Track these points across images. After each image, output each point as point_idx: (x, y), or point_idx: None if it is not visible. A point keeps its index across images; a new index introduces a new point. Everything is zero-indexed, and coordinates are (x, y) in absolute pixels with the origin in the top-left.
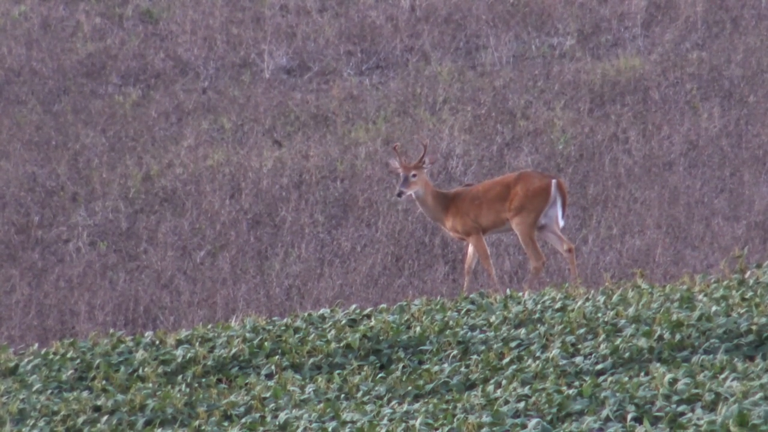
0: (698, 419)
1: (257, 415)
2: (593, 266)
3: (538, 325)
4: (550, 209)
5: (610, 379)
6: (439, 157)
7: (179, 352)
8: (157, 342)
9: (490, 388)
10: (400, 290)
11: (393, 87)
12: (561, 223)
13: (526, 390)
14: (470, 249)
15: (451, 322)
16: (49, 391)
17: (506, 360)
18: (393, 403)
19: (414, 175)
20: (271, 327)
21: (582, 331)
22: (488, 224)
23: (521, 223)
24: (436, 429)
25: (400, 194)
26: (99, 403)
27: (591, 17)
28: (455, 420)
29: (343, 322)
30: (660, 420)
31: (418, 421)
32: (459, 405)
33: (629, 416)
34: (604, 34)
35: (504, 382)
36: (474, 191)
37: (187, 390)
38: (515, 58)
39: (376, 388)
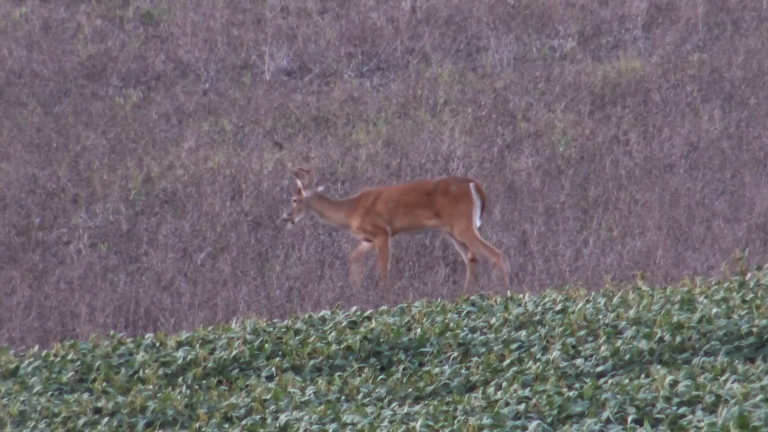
0: (699, 421)
1: (258, 416)
2: (594, 268)
3: (539, 327)
4: (476, 211)
5: (610, 381)
6: (440, 159)
7: (180, 353)
8: (158, 344)
9: (491, 389)
10: (401, 292)
11: (394, 89)
12: (477, 223)
13: (527, 392)
14: (361, 246)
15: (451, 324)
16: (50, 393)
17: (507, 362)
18: (393, 404)
19: (296, 201)
20: (271, 329)
21: (582, 333)
22: (402, 227)
23: (463, 230)
24: (437, 431)
25: (284, 222)
26: (99, 404)
27: (592, 19)
28: (456, 422)
29: (344, 324)
30: (661, 422)
31: (419, 423)
32: (459, 407)
33: (630, 418)
34: (604, 36)
35: (504, 383)
36: (388, 193)
37: (188, 392)
38: (516, 60)
39: (377, 390)
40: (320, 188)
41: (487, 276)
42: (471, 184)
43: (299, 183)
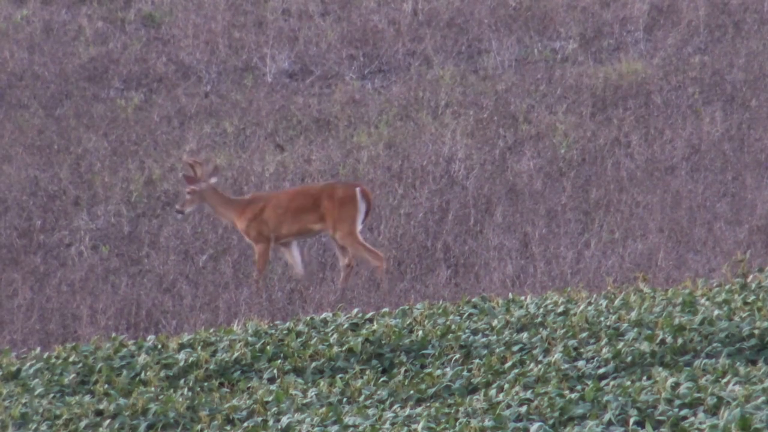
0: (700, 423)
1: (259, 419)
2: (595, 270)
3: (541, 329)
4: (359, 216)
5: (612, 383)
6: (441, 161)
7: (181, 356)
8: (160, 346)
9: (493, 392)
10: (402, 294)
11: (395, 91)
12: (360, 227)
13: (529, 394)
14: (288, 257)
15: (453, 326)
16: (51, 395)
17: (508, 364)
18: (395, 407)
19: (189, 192)
20: (273, 331)
21: (584, 335)
22: (291, 232)
23: (345, 234)
24: None
25: (177, 213)
26: (101, 407)
27: (593, 21)
28: (457, 424)
29: (346, 326)
30: (662, 424)
31: (421, 425)
32: (461, 409)
33: (631, 420)
34: (606, 38)
35: (506, 386)
36: (276, 199)
37: (190, 394)
38: (517, 62)
39: (379, 392)
40: (213, 179)
41: (489, 278)
42: (357, 189)
43: (196, 173)
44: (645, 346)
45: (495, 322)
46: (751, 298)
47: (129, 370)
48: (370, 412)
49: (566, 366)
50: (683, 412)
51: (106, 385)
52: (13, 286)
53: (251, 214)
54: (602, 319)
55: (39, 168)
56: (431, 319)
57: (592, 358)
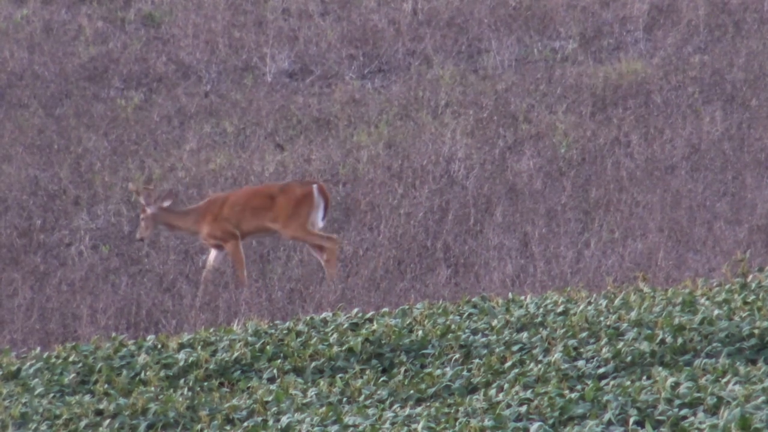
0: (700, 423)
1: (259, 418)
2: (595, 270)
3: (540, 329)
4: (315, 214)
5: (612, 382)
6: (441, 160)
7: (181, 355)
8: (160, 346)
9: (492, 391)
10: (402, 294)
11: (395, 90)
12: (320, 224)
13: (529, 394)
14: (211, 257)
15: (453, 326)
16: (51, 395)
17: (508, 364)
18: (395, 406)
19: (142, 219)
20: (273, 331)
21: (584, 334)
22: (250, 230)
23: (294, 231)
24: None
25: (139, 241)
26: (101, 406)
27: (593, 21)
28: (457, 424)
29: (345, 325)
30: (662, 424)
31: (420, 424)
32: (461, 409)
33: (631, 420)
34: (606, 37)
35: (506, 385)
36: (234, 198)
37: (190, 394)
38: (517, 62)
39: (379, 392)
40: (166, 203)
41: (489, 278)
42: (314, 186)
43: (142, 200)
44: (645, 346)
45: (495, 322)
46: (751, 297)
47: (129, 369)
48: (370, 411)
49: (566, 366)
50: (683, 411)
51: (106, 385)
52: (13, 286)
53: (211, 216)
54: (602, 318)
55: (39, 167)
56: (431, 319)
57: (592, 357)
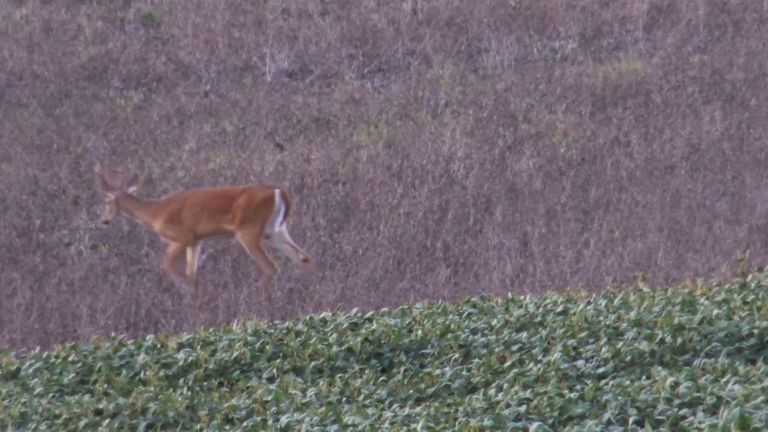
0: (700, 423)
1: (259, 418)
2: (595, 270)
3: (540, 329)
4: (275, 219)
5: (611, 382)
6: (441, 160)
7: (181, 355)
8: (159, 345)
9: (492, 391)
10: (402, 294)
11: (395, 90)
12: (276, 229)
13: (528, 393)
14: (188, 255)
15: (452, 326)
16: (51, 395)
17: (508, 363)
18: (395, 406)
19: (107, 201)
20: (272, 330)
21: (584, 334)
22: (205, 232)
23: (246, 235)
24: None
25: (104, 223)
26: (101, 406)
27: (593, 21)
28: (457, 423)
29: (345, 325)
30: (662, 423)
31: (420, 424)
32: (460, 408)
33: (631, 420)
34: (605, 37)
35: (505, 385)
36: (193, 199)
37: (189, 393)
38: (517, 62)
39: (378, 392)
40: (132, 188)
41: (488, 278)
42: (276, 191)
43: (104, 182)
44: (644, 346)
45: (494, 322)
46: (751, 297)
47: (128, 369)
48: (370, 411)
49: (565, 365)
50: (682, 411)
51: (105, 385)
52: (12, 286)
53: (168, 214)
54: (602, 318)
55: (38, 167)
56: (431, 319)
57: (592, 357)
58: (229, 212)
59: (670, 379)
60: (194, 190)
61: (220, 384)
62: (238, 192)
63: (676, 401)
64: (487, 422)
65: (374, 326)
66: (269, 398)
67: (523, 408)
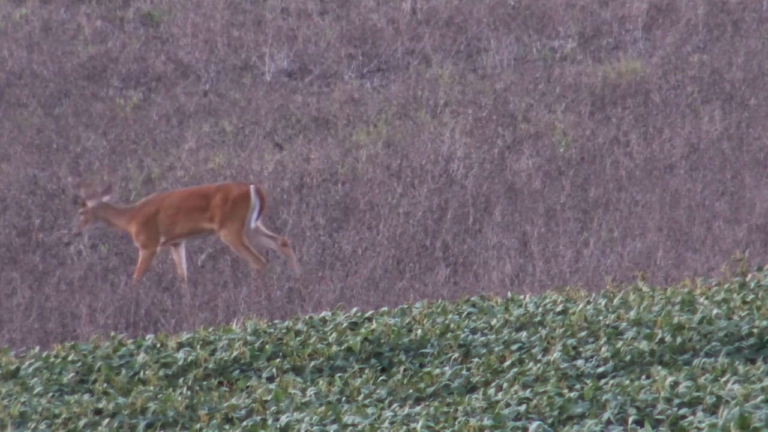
0: (699, 422)
1: (258, 418)
2: (594, 269)
3: (540, 328)
4: (251, 215)
5: (611, 382)
6: (440, 160)
7: (180, 355)
8: (159, 345)
9: (491, 391)
10: (401, 293)
11: (394, 90)
12: (252, 225)
13: (528, 393)
14: (174, 257)
15: (452, 325)
16: (50, 394)
17: (507, 363)
18: (394, 406)
19: (82, 213)
20: (272, 330)
21: (583, 334)
22: (184, 232)
23: (229, 233)
24: None
25: (75, 236)
26: (100, 406)
27: (592, 20)
28: (456, 423)
29: (344, 325)
30: (661, 423)
31: (420, 424)
32: (460, 408)
33: (630, 419)
34: (605, 37)
35: (505, 385)
36: (168, 200)
37: (189, 393)
38: (516, 61)
39: (378, 391)
40: (106, 198)
41: (488, 277)
42: (251, 187)
43: (83, 194)
44: (644, 345)
45: (494, 321)
46: (750, 297)
47: (128, 369)
48: (369, 411)
49: (565, 365)
50: (682, 411)
51: (105, 384)
52: (12, 285)
53: (143, 217)
54: (601, 318)
55: (38, 167)
56: (430, 318)
57: (591, 357)
58: (206, 211)
59: (670, 379)
60: (168, 192)
61: (220, 383)
62: (213, 190)
63: (676, 401)
64: (486, 422)
65: (374, 326)
66: (269, 398)
67: (522, 407)
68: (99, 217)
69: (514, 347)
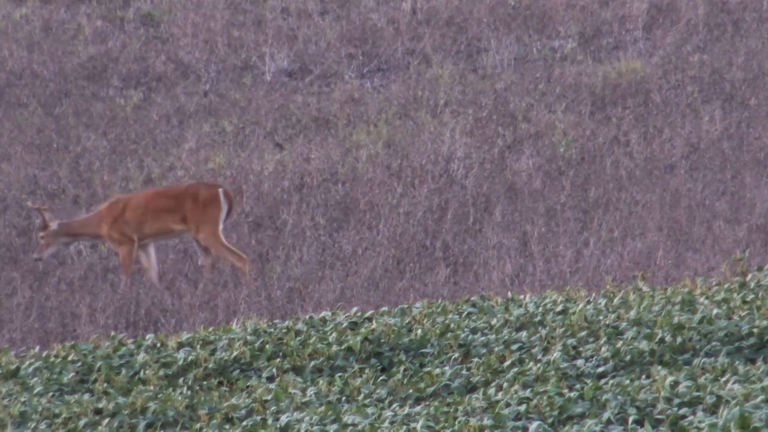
0: (699, 422)
1: (258, 417)
2: (594, 269)
3: (540, 328)
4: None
5: (611, 381)
6: (440, 160)
7: (180, 354)
8: (159, 345)
9: (492, 390)
10: (402, 293)
11: (394, 90)
12: (221, 227)
13: (528, 393)
14: (144, 260)
15: (452, 325)
16: (51, 394)
17: (507, 363)
18: (394, 405)
19: (43, 237)
20: (272, 330)
21: (583, 333)
22: (152, 232)
23: (207, 237)
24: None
25: (36, 260)
26: (100, 405)
27: (592, 20)
28: (456, 423)
29: (345, 324)
30: (661, 423)
31: (420, 423)
32: (460, 408)
33: (630, 419)
34: (605, 36)
35: (505, 384)
36: (137, 200)
37: (189, 393)
38: (516, 61)
39: (378, 391)
40: (60, 219)
41: (488, 277)
42: (220, 189)
43: (45, 218)
44: (644, 345)
45: (494, 321)
46: (750, 296)
47: (128, 368)
48: (369, 410)
49: (565, 365)
50: (682, 410)
51: (105, 384)
52: (12, 285)
53: (112, 217)
54: (601, 317)
55: (38, 167)
56: (430, 318)
57: (591, 356)
58: (175, 212)
59: (670, 379)
60: (136, 193)
61: (220, 383)
62: (182, 190)
63: (676, 400)
64: (486, 421)
65: (374, 325)
66: (269, 397)
67: (522, 407)
68: (67, 235)
69: (514, 347)
